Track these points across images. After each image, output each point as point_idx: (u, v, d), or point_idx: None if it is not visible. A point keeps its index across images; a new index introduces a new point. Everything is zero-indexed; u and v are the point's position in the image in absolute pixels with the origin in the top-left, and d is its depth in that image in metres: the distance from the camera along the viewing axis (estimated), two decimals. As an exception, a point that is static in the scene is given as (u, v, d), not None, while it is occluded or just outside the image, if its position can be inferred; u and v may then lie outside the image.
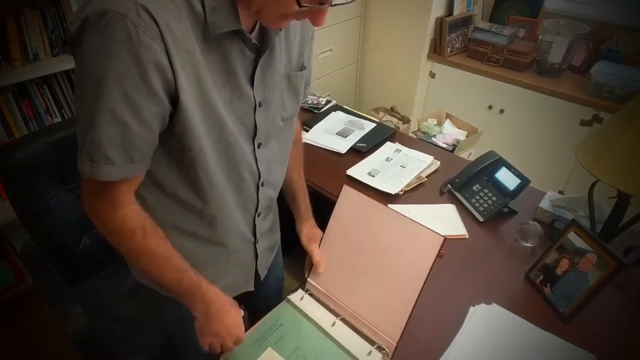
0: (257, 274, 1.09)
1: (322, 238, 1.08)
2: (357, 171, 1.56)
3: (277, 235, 1.17)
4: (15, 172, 1.28)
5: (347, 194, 1.04)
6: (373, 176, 1.53)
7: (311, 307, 1.05)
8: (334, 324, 1.00)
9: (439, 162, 1.62)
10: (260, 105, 0.81)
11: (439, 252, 0.89)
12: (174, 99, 0.69)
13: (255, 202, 0.94)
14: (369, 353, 0.95)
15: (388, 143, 1.73)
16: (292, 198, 1.13)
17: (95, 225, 0.77)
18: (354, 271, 1.02)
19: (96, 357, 1.27)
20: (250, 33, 0.74)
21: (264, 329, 1.00)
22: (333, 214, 1.06)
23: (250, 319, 1.05)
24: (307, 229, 1.12)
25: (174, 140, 0.74)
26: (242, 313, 0.93)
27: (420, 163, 1.59)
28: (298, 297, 1.07)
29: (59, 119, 1.90)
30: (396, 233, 0.96)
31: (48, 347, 1.86)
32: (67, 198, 1.41)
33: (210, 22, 0.67)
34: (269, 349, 0.96)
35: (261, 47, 0.76)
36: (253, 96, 0.79)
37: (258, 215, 0.98)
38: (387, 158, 1.64)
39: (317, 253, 1.06)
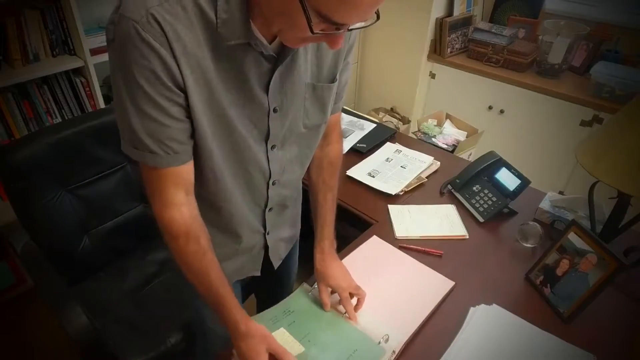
0: (269, 263, 1.11)
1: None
2: (357, 171, 1.56)
3: (297, 228, 1.18)
4: (16, 173, 1.28)
5: (374, 242, 1.27)
6: (373, 177, 1.53)
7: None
8: (345, 313, 1.03)
9: (439, 163, 1.62)
10: (275, 111, 0.84)
11: (448, 293, 1.09)
12: (185, 98, 0.73)
13: (265, 198, 0.97)
14: (378, 344, 0.97)
15: (388, 144, 1.74)
16: (315, 220, 1.11)
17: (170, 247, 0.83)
18: (369, 287, 1.07)
19: (96, 358, 1.27)
20: (271, 42, 0.76)
21: (276, 313, 1.03)
22: (357, 250, 1.23)
23: (258, 310, 1.06)
24: (319, 263, 1.07)
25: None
26: None
27: (421, 164, 1.59)
28: (310, 287, 1.11)
29: (59, 119, 1.90)
30: (412, 273, 1.17)
31: (48, 347, 1.86)
32: (67, 198, 1.41)
33: (221, 33, 0.70)
34: (282, 329, 0.98)
35: (279, 57, 0.78)
36: (267, 102, 0.81)
37: (269, 210, 1.00)
38: (388, 158, 1.64)
39: (325, 295, 1.05)
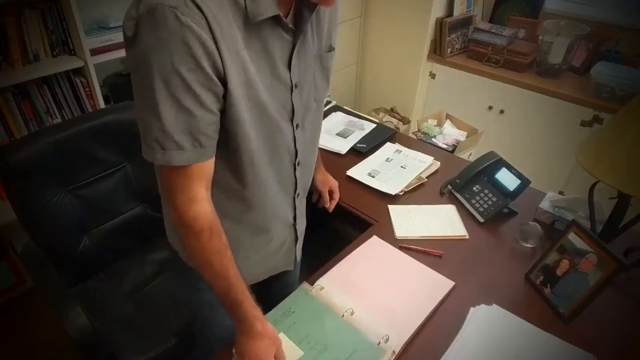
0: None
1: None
2: (357, 172, 1.56)
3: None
4: (16, 173, 1.28)
5: (375, 242, 1.27)
6: (373, 177, 1.53)
7: (323, 297, 1.08)
8: (343, 315, 1.04)
9: (439, 163, 1.62)
10: (296, 86, 0.85)
11: (448, 293, 1.10)
12: (223, 85, 0.72)
13: (294, 182, 0.99)
14: (378, 344, 0.97)
15: (388, 144, 1.74)
16: None
17: (172, 218, 0.80)
18: (369, 287, 1.12)
19: (96, 358, 1.27)
20: (286, 18, 0.78)
21: (278, 315, 1.03)
22: (357, 250, 1.23)
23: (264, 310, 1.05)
24: (321, 175, 1.29)
25: (220, 126, 0.77)
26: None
27: (421, 164, 1.59)
28: (311, 286, 1.11)
29: (59, 120, 1.90)
30: (412, 273, 1.17)
31: (48, 347, 1.86)
32: (67, 198, 1.41)
33: (250, 10, 0.71)
34: (281, 333, 0.98)
35: (297, 31, 0.80)
36: (290, 78, 0.83)
37: (297, 196, 1.02)
38: (388, 159, 1.64)
39: (327, 199, 1.29)
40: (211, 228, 0.80)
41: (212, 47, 0.67)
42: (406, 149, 1.69)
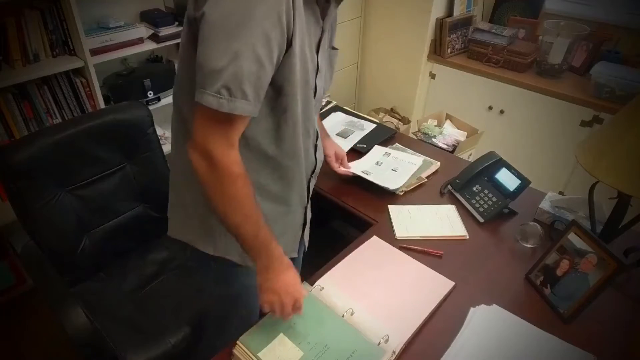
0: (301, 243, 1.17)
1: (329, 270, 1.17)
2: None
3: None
4: (16, 173, 1.28)
5: (375, 242, 1.27)
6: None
7: (323, 297, 1.08)
8: (343, 315, 1.03)
9: (439, 163, 1.62)
10: (319, 71, 0.91)
11: (448, 293, 1.11)
12: (288, 44, 0.78)
13: (313, 162, 1.04)
14: (378, 344, 0.97)
15: (376, 147, 1.69)
16: None
17: (198, 167, 0.82)
18: (369, 287, 1.12)
19: (96, 358, 1.27)
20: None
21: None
22: (357, 250, 1.23)
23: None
24: (328, 143, 1.40)
25: (273, 85, 0.82)
26: (307, 291, 0.99)
27: (411, 166, 1.57)
28: (311, 286, 1.11)
29: (59, 120, 1.90)
30: (414, 273, 1.17)
31: (48, 347, 1.86)
32: (67, 199, 1.41)
33: None
34: (281, 334, 0.98)
35: (325, 19, 0.87)
36: (317, 62, 0.89)
37: (312, 177, 1.07)
38: (377, 162, 1.61)
39: (336, 165, 1.43)
40: (244, 175, 0.84)
41: (290, 7, 0.74)
42: (395, 151, 1.65)
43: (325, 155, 1.35)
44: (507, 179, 1.40)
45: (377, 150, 1.68)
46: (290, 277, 0.94)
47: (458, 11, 2.61)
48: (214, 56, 0.74)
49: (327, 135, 1.43)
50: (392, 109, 2.93)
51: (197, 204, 0.96)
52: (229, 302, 1.12)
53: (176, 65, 0.96)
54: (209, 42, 0.74)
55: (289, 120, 0.89)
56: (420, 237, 1.30)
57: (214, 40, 0.74)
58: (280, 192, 0.99)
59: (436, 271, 1.18)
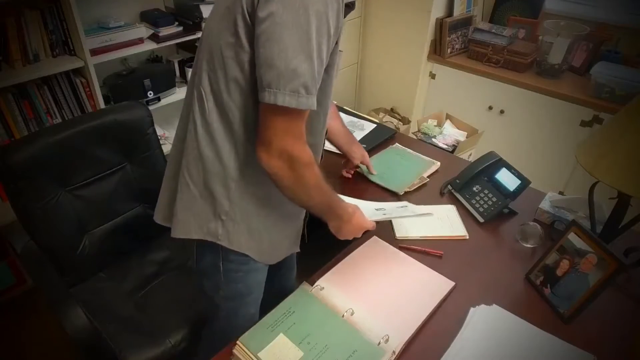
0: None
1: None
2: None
3: None
4: (15, 173, 1.28)
5: (375, 242, 1.27)
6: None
7: (324, 297, 1.08)
8: (343, 315, 1.04)
9: (439, 163, 1.62)
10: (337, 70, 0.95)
11: (448, 293, 1.12)
12: (335, 42, 0.84)
13: (320, 156, 1.07)
14: (378, 344, 0.97)
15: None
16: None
17: (278, 170, 0.86)
18: (369, 287, 1.13)
19: (96, 358, 1.27)
20: None
21: (278, 315, 1.03)
22: (357, 250, 1.24)
23: (265, 310, 1.08)
24: (357, 147, 1.48)
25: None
26: (373, 223, 1.10)
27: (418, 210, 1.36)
28: (311, 286, 1.11)
29: (59, 120, 1.90)
30: (414, 273, 1.17)
31: (48, 348, 1.86)
32: (67, 199, 1.41)
33: None
34: (281, 334, 0.98)
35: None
36: (336, 61, 0.92)
37: None
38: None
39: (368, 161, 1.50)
40: (314, 160, 0.92)
41: (342, 6, 0.80)
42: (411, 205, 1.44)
43: (351, 153, 1.46)
44: (507, 179, 1.40)
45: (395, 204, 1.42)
46: (357, 218, 1.05)
47: (458, 11, 2.61)
48: (290, 55, 0.76)
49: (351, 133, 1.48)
50: (392, 109, 2.93)
51: (220, 199, 0.96)
52: (238, 301, 1.12)
53: (197, 71, 0.94)
54: (281, 42, 0.76)
55: (321, 114, 0.95)
56: (420, 237, 1.30)
57: (288, 40, 0.76)
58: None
59: (436, 271, 1.18)
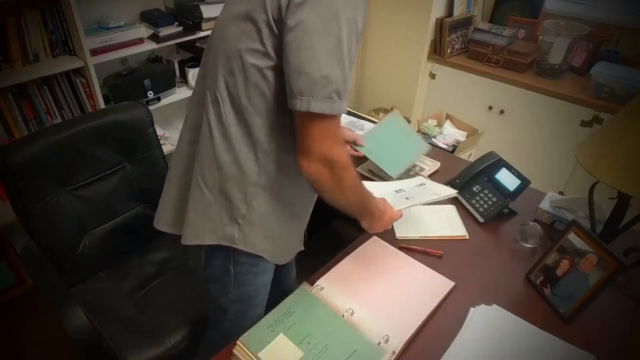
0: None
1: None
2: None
3: None
4: (15, 173, 1.28)
5: (375, 243, 1.27)
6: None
7: (324, 297, 1.09)
8: (343, 315, 1.03)
9: (439, 163, 1.62)
10: None
11: (448, 293, 1.11)
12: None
13: None
14: (378, 344, 0.97)
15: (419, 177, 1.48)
16: None
17: (319, 176, 0.88)
18: (369, 287, 1.13)
19: (96, 358, 1.27)
20: None
21: (278, 315, 1.03)
22: (357, 250, 1.24)
23: (265, 310, 1.10)
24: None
25: None
26: (400, 212, 1.15)
27: (433, 195, 1.30)
28: (311, 286, 1.11)
29: (59, 120, 1.90)
30: (414, 273, 1.17)
31: (48, 347, 1.86)
32: (67, 199, 1.41)
33: None
34: (281, 334, 0.98)
35: None
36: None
37: None
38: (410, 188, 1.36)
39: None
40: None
41: (366, 9, 0.82)
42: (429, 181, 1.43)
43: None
44: (507, 179, 1.40)
45: (415, 180, 1.45)
46: (388, 213, 1.10)
47: (458, 11, 2.61)
48: (322, 63, 0.77)
49: None
50: (392, 109, 2.93)
51: (237, 203, 0.96)
52: (247, 303, 1.12)
53: (209, 74, 0.93)
54: (313, 50, 0.77)
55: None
56: (420, 237, 1.31)
57: (320, 47, 0.77)
58: (302, 189, 1.04)
59: (436, 271, 1.18)
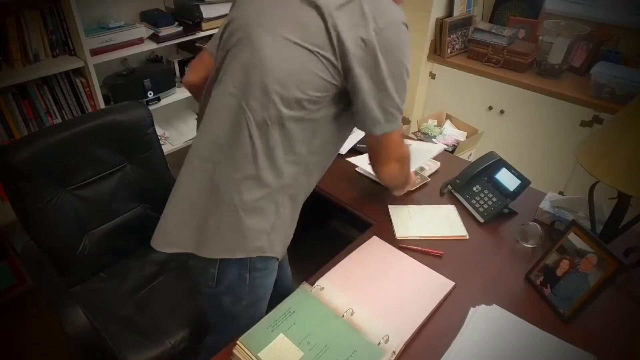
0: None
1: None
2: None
3: None
4: (16, 173, 1.28)
5: (375, 242, 1.27)
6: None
7: (323, 297, 1.08)
8: (343, 315, 1.03)
9: (439, 163, 1.62)
10: None
11: (448, 293, 1.13)
12: None
13: None
14: (378, 344, 0.97)
15: None
16: None
17: (396, 174, 1.12)
18: (369, 287, 1.13)
19: (96, 358, 1.27)
20: None
21: (278, 315, 1.03)
22: (357, 250, 1.24)
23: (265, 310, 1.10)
24: None
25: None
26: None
27: (427, 153, 1.58)
28: (311, 286, 1.11)
29: (59, 120, 1.90)
30: (414, 273, 1.18)
31: (48, 347, 1.86)
32: (67, 199, 1.41)
33: None
34: (281, 334, 0.98)
35: None
36: None
37: None
38: None
39: None
40: None
41: None
42: (415, 142, 1.67)
43: None
44: (507, 179, 1.40)
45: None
46: (412, 178, 1.38)
47: (458, 11, 2.61)
48: (394, 89, 0.95)
49: None
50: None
51: (269, 215, 0.99)
52: (258, 305, 1.12)
53: (247, 95, 0.93)
54: (400, 78, 0.97)
55: (339, 144, 1.10)
56: (420, 237, 1.30)
57: (392, 78, 0.95)
58: (314, 184, 1.10)
59: (436, 271, 1.18)
